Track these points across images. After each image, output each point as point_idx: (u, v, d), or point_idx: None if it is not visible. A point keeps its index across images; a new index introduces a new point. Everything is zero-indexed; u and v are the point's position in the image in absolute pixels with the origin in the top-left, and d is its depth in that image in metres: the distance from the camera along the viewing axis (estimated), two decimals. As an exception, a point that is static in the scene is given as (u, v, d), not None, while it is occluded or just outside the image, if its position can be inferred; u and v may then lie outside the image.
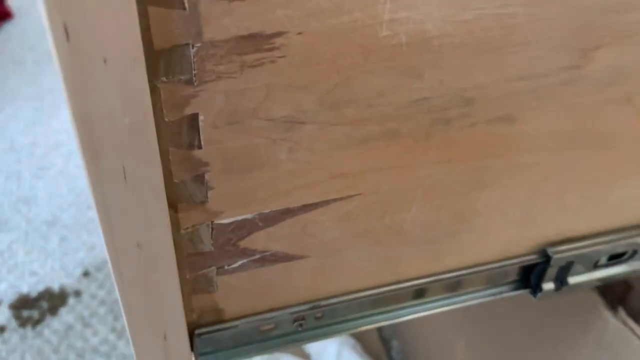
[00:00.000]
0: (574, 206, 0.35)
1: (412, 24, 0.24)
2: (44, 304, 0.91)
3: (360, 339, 0.82)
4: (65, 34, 0.18)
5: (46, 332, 0.88)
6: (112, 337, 0.88)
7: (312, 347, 0.80)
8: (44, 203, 1.12)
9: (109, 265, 0.25)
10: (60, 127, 1.32)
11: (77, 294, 0.94)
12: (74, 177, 1.19)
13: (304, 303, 0.32)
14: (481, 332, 0.61)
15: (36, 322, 0.89)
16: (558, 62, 0.27)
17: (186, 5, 0.20)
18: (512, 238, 0.35)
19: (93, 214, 1.10)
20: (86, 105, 0.20)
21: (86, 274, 0.98)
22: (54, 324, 0.89)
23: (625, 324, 0.43)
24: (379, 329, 0.86)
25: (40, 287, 0.95)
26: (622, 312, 0.43)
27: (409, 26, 0.24)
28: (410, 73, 0.25)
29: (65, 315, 0.91)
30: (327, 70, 0.24)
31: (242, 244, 0.28)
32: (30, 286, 0.95)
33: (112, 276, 0.25)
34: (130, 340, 0.29)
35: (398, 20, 0.23)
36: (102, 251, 1.03)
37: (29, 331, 0.88)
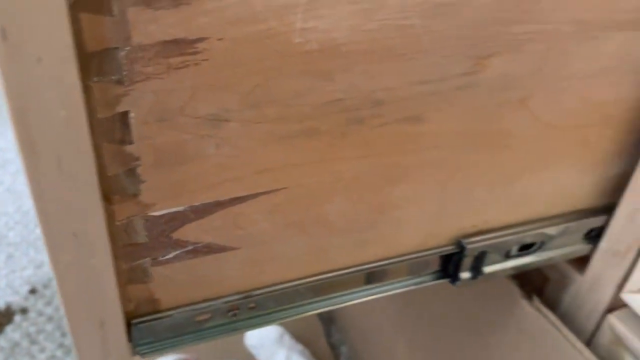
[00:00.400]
0: (483, 200, 0.38)
1: (323, 32, 0.27)
2: (-12, 322, 0.89)
3: (308, 345, 0.84)
4: (3, 34, 0.20)
5: (-10, 350, 0.86)
6: (59, 353, 0.87)
7: (262, 353, 0.81)
8: (-11, 221, 1.10)
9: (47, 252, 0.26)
10: (6, 145, 1.30)
11: (24, 311, 0.92)
12: (21, 195, 1.17)
13: (237, 293, 0.35)
14: (419, 330, 0.64)
15: (-21, 340, 0.87)
16: (454, 68, 0.31)
17: (115, 12, 0.23)
18: (429, 229, 0.38)
19: (40, 232, 1.09)
20: (22, 100, 0.22)
21: (33, 291, 0.96)
22: (0, 342, 0.88)
23: (539, 311, 0.47)
24: (327, 335, 0.89)
25: (-15, 305, 0.93)
26: (536, 301, 0.48)
27: (320, 34, 0.27)
28: (324, 76, 0.28)
29: (12, 332, 0.89)
30: (247, 72, 0.26)
31: (175, 235, 0.30)
32: (-26, 305, 0.93)
33: (51, 265, 0.27)
34: (68, 330, 0.30)
35: (309, 29, 0.26)
36: (49, 269, 1.01)
37: (-29, 350, 0.86)
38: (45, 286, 0.97)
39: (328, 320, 0.93)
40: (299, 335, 0.86)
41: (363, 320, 0.81)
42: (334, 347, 0.90)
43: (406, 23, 0.28)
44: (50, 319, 0.92)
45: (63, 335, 0.90)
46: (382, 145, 0.32)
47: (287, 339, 0.81)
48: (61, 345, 0.88)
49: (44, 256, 1.03)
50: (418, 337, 0.65)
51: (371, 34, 0.28)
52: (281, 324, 0.83)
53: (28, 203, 1.15)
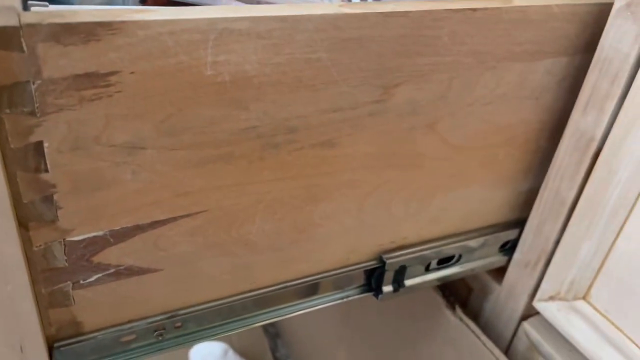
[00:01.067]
0: (400, 217, 0.41)
1: (233, 65, 0.28)
2: None
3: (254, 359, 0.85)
4: None
5: None
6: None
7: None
8: None
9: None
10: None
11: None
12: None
13: (162, 313, 0.36)
14: (358, 339, 0.66)
15: None
16: (364, 97, 0.33)
17: (24, 48, 0.24)
18: (350, 246, 0.40)
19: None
20: None
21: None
22: None
23: (461, 320, 0.50)
24: (273, 350, 0.89)
25: None
26: (459, 310, 0.50)
27: (231, 67, 0.28)
28: (237, 105, 0.30)
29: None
30: (160, 102, 0.28)
31: (96, 259, 0.31)
32: None
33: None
34: (-13, 356, 0.30)
35: (220, 62, 0.28)
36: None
37: None
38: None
39: (274, 334, 0.94)
40: (245, 351, 0.87)
41: (307, 334, 0.82)
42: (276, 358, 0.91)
43: (313, 57, 0.30)
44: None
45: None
46: (298, 168, 0.34)
47: (231, 354, 0.82)
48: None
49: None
50: (356, 348, 0.67)
51: (280, 67, 0.30)
52: (225, 339, 0.84)
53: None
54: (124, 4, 0.37)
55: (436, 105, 0.36)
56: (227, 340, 0.85)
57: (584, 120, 0.39)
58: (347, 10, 0.30)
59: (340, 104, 0.33)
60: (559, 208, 0.42)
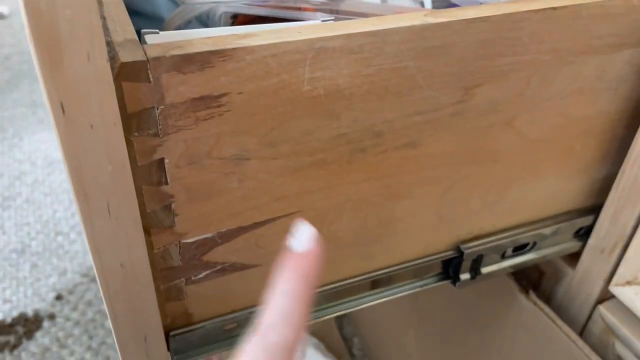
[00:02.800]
0: (477, 209, 0.42)
1: (327, 80, 0.31)
2: (20, 329, 0.95)
3: (322, 338, 0.89)
4: (62, 109, 0.24)
5: (24, 355, 0.91)
6: (88, 355, 0.92)
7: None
8: (12, 232, 1.15)
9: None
10: (23, 157, 1.35)
11: (52, 317, 0.98)
12: (40, 205, 1.22)
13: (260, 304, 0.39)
14: (426, 323, 0.68)
15: (13, 347, 0.92)
16: (446, 99, 0.35)
17: (151, 79, 0.27)
18: (430, 238, 0.42)
19: (61, 239, 1.14)
20: (78, 160, 0.26)
21: (59, 297, 1.01)
22: (31, 347, 0.93)
23: (535, 304, 0.51)
24: (340, 329, 0.93)
25: (15, 313, 0.98)
26: (532, 295, 0.52)
27: (325, 82, 0.31)
28: (330, 115, 0.32)
29: (41, 338, 0.94)
30: (263, 118, 0.30)
31: (205, 258, 0.35)
32: (4, 313, 0.98)
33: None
34: (116, 345, 0.35)
35: (316, 78, 0.30)
36: (73, 275, 1.06)
37: (7, 355, 0.91)
38: (70, 292, 1.02)
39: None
40: (313, 330, 0.91)
41: (374, 314, 0.85)
42: (346, 339, 0.95)
43: (401, 65, 0.32)
44: (77, 323, 0.97)
45: (90, 338, 0.95)
46: (383, 169, 0.36)
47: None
48: (89, 348, 0.93)
49: (66, 263, 1.08)
50: (425, 330, 0.69)
51: (370, 78, 0.32)
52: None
53: (47, 212, 1.20)
54: (210, 19, 0.40)
55: (514, 102, 0.37)
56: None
57: (664, 110, 0.39)
58: (432, 19, 0.31)
59: (423, 108, 0.34)
60: (637, 195, 0.43)
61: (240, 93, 0.29)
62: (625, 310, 0.46)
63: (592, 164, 0.45)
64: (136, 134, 0.28)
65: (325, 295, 0.41)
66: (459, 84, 0.34)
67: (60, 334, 0.95)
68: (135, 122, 0.28)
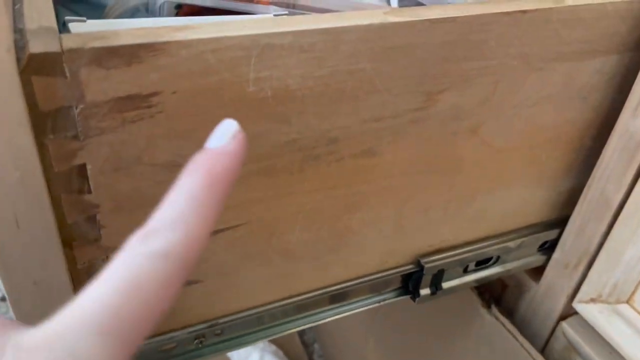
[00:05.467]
0: (438, 220, 0.40)
1: (275, 80, 0.28)
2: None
3: (282, 344, 0.86)
4: (-48, 106, 0.21)
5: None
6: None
7: (235, 355, 0.82)
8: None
9: (7, 301, 0.27)
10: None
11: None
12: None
13: (203, 322, 0.36)
14: (387, 333, 0.66)
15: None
16: (406, 104, 0.32)
17: (67, 73, 0.23)
18: (388, 251, 0.40)
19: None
20: (-24, 165, 0.22)
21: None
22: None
23: (497, 319, 0.49)
24: (300, 334, 0.90)
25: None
26: (494, 309, 0.50)
27: (273, 82, 0.28)
28: (279, 119, 0.29)
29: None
30: (202, 121, 0.27)
31: (138, 273, 0.31)
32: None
33: (12, 312, 0.27)
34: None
35: (262, 78, 0.27)
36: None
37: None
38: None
39: (301, 319, 0.95)
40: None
41: (335, 321, 0.83)
42: (307, 345, 0.92)
43: (357, 67, 0.29)
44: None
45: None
46: (338, 178, 0.33)
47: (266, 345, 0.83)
48: None
49: None
50: (386, 339, 0.67)
51: (323, 79, 0.29)
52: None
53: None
54: (150, 8, 0.36)
55: (480, 110, 0.35)
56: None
57: (633, 123, 0.37)
58: (393, 18, 0.29)
59: (382, 113, 0.32)
60: (603, 209, 0.41)
61: (174, 92, 0.26)
62: (588, 328, 0.44)
63: (558, 175, 0.43)
64: (51, 136, 0.24)
65: (284, 309, 0.38)
66: (420, 88, 0.32)
67: None
68: (49, 122, 0.24)
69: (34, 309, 0.27)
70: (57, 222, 0.27)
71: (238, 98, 0.27)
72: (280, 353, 0.84)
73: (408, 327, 0.62)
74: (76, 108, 0.24)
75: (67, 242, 0.28)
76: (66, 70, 0.23)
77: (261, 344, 0.83)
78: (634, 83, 0.37)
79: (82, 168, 0.26)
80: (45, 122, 0.24)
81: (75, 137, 0.25)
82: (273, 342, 0.85)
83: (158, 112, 0.26)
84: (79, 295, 0.17)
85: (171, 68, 0.25)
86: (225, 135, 0.19)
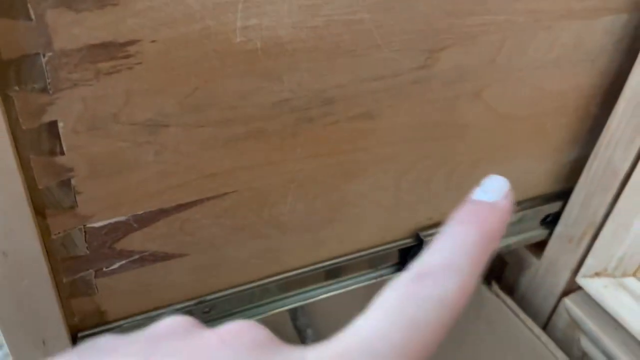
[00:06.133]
0: (439, 191, 0.38)
1: (265, 30, 0.25)
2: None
3: (275, 330, 0.84)
4: None
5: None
6: None
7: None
8: None
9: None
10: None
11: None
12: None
13: (190, 299, 0.33)
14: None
15: None
16: (407, 63, 0.30)
17: (32, 15, 0.21)
18: (386, 224, 0.38)
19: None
20: None
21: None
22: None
23: (497, 296, 0.47)
24: (294, 320, 0.88)
25: None
26: (495, 286, 0.48)
27: (262, 32, 0.25)
28: (269, 76, 0.27)
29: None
30: (185, 74, 0.25)
31: (119, 245, 0.29)
32: None
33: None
34: (8, 351, 0.28)
35: (251, 27, 0.25)
36: None
37: None
38: None
39: (294, 303, 0.93)
40: (265, 320, 0.86)
41: (329, 305, 0.81)
42: (300, 331, 0.90)
43: (354, 18, 0.27)
44: None
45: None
46: (334, 143, 0.31)
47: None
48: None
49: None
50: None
51: (317, 31, 0.26)
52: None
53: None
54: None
55: (484, 71, 0.33)
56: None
57: (645, 85, 0.35)
58: (393, -36, 0.26)
59: (381, 72, 0.29)
60: (610, 179, 0.39)
61: (153, 41, 0.23)
62: (592, 303, 0.43)
63: (564, 144, 0.41)
64: (16, 88, 0.22)
65: (276, 286, 0.36)
66: (422, 45, 0.30)
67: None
68: (13, 72, 0.22)
69: (4, 282, 0.25)
70: (27, 187, 0.24)
71: (224, 50, 0.25)
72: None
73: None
74: (44, 56, 0.22)
75: (39, 209, 0.25)
76: (30, 11, 0.20)
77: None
78: (646, 43, 0.35)
79: (53, 126, 0.23)
80: (8, 71, 0.21)
81: (44, 89, 0.22)
82: (265, 326, 0.83)
83: (136, 63, 0.23)
84: (357, 321, 0.16)
85: (150, 13, 0.22)
86: (498, 192, 0.18)
